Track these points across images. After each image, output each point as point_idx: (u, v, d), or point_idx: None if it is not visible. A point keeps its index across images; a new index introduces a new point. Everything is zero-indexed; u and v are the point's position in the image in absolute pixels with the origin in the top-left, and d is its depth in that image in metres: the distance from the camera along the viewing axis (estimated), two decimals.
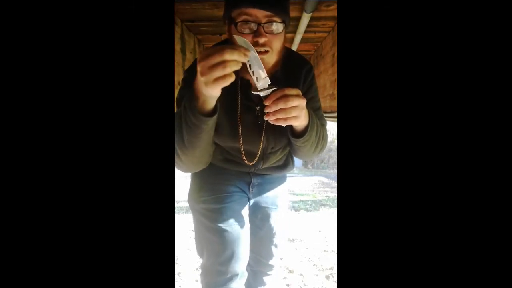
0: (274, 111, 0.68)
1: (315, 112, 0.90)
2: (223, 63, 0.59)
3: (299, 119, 0.71)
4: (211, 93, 0.65)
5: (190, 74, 0.81)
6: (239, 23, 0.72)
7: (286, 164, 1.05)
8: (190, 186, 1.06)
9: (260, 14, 0.71)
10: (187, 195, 1.07)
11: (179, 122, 0.76)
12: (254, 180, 1.04)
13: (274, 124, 0.70)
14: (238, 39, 0.66)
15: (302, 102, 0.69)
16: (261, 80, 0.69)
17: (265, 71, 0.70)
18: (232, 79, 0.61)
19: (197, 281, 2.08)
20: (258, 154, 0.93)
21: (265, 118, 0.70)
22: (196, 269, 2.24)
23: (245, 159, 0.93)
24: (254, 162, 0.95)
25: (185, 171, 0.88)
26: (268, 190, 1.07)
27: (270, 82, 0.70)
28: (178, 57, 1.95)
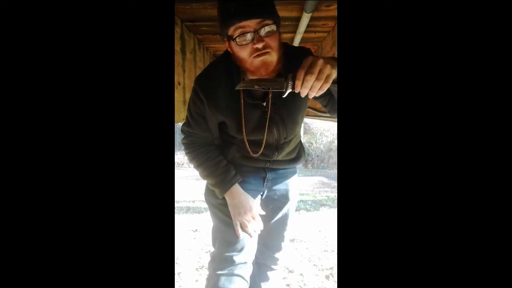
0: (311, 89, 0.71)
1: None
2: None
3: (332, 73, 0.72)
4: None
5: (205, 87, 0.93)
6: (237, 38, 0.80)
7: (298, 156, 1.14)
8: (208, 183, 1.10)
9: (252, 23, 0.78)
10: (204, 189, 1.13)
11: (200, 155, 1.00)
12: (269, 175, 1.09)
13: (321, 93, 0.73)
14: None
15: (320, 61, 0.70)
16: (280, 86, 0.75)
17: (272, 80, 0.77)
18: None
19: (197, 281, 2.08)
20: (273, 145, 1.01)
21: (311, 97, 0.73)
22: (196, 269, 2.24)
23: (251, 152, 1.01)
24: (268, 153, 1.02)
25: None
26: (280, 183, 1.13)
27: (282, 79, 0.75)
28: (178, 57, 1.95)
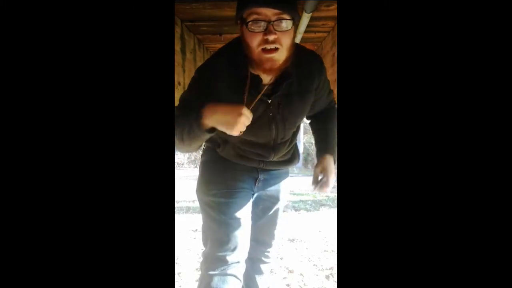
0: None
1: (328, 94, 1.07)
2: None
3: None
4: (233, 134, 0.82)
5: (204, 74, 0.90)
6: (249, 23, 0.76)
7: (293, 158, 1.11)
8: (199, 179, 1.09)
9: (269, 12, 0.75)
10: (196, 186, 1.10)
11: (182, 123, 0.86)
12: (261, 176, 1.08)
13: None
14: None
15: (329, 167, 0.98)
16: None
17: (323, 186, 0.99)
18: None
19: (197, 281, 2.08)
20: (270, 145, 0.98)
21: (323, 191, 0.97)
22: (196, 269, 2.24)
23: (256, 151, 0.98)
24: (265, 154, 0.99)
25: (179, 151, 1.01)
26: (272, 185, 1.12)
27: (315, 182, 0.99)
28: (178, 57, 1.95)
